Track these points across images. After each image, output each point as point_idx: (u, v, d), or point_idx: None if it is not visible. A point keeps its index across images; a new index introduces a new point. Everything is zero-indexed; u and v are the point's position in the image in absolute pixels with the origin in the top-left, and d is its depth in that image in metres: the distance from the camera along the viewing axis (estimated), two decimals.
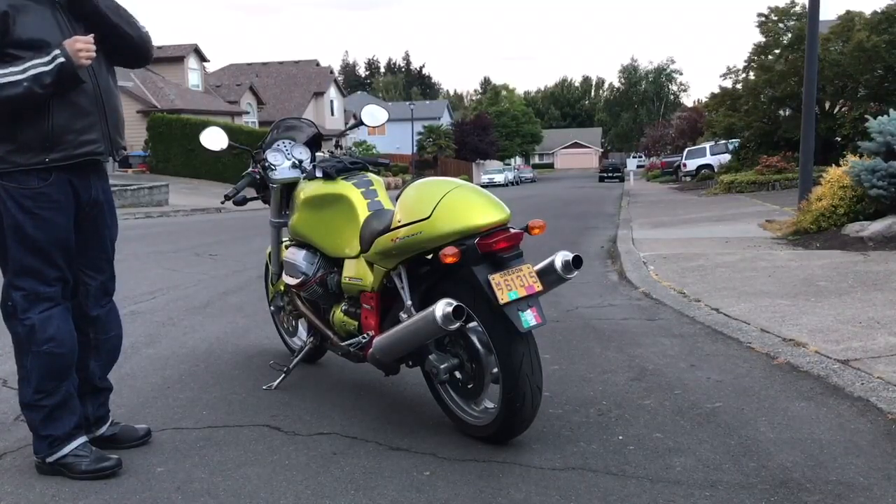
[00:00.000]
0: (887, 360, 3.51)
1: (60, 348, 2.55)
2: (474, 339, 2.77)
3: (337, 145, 3.85)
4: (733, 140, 25.86)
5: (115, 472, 2.61)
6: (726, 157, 26.25)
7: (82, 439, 2.66)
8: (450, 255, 2.57)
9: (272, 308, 4.18)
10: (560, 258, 2.81)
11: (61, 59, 2.30)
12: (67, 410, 2.61)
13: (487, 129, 57.10)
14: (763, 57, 23.08)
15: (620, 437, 2.85)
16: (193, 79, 35.56)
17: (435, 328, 2.58)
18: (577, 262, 2.80)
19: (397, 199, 2.92)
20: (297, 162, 3.66)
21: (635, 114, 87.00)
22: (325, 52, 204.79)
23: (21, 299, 2.51)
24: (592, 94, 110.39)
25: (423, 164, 46.36)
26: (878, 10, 19.93)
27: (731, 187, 19.47)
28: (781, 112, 22.96)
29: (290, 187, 3.68)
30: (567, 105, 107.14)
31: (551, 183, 50.03)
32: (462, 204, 2.67)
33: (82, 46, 2.34)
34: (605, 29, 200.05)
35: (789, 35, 22.41)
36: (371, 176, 3.40)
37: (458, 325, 2.55)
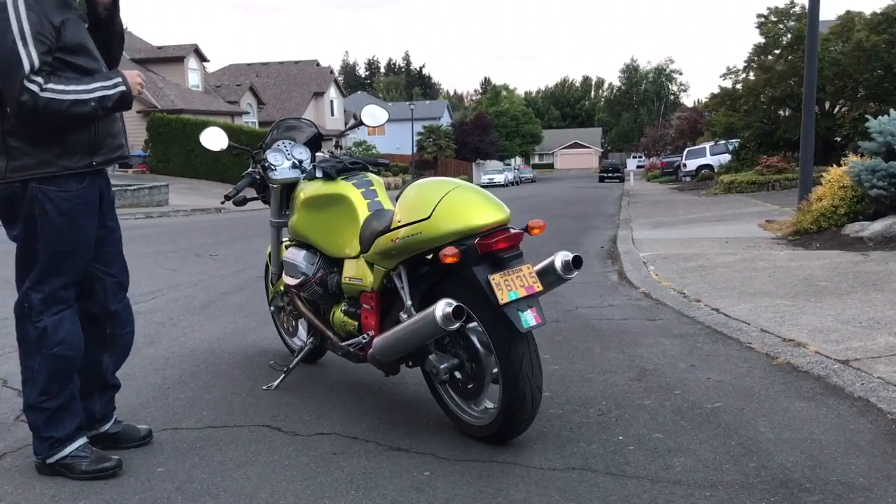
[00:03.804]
0: (887, 360, 3.51)
1: (70, 351, 2.58)
2: (474, 339, 2.77)
3: (337, 145, 3.85)
4: (733, 140, 25.86)
5: (115, 473, 2.61)
6: (726, 157, 26.24)
7: (83, 440, 2.66)
8: (450, 255, 2.57)
9: (272, 308, 4.18)
10: (560, 258, 2.81)
11: (123, 88, 2.48)
12: (70, 412, 2.63)
13: (487, 130, 57.10)
14: (763, 57, 23.09)
15: (620, 438, 2.85)
16: (193, 79, 35.56)
17: (435, 328, 2.58)
18: (576, 263, 2.81)
19: (397, 199, 2.92)
20: (297, 162, 3.66)
21: (635, 114, 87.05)
22: (325, 52, 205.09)
23: (39, 302, 2.54)
24: (592, 94, 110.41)
25: (423, 164, 46.36)
26: (878, 11, 19.94)
27: (731, 187, 19.47)
28: (781, 112, 22.97)
29: (290, 187, 3.68)
30: (567, 105, 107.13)
31: (551, 183, 50.03)
32: (462, 204, 2.67)
33: (140, 80, 2.55)
34: (605, 29, 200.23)
35: (789, 35, 22.42)
36: (371, 176, 3.40)
37: (458, 325, 2.55)
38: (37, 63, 2.31)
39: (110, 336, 2.80)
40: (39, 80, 2.31)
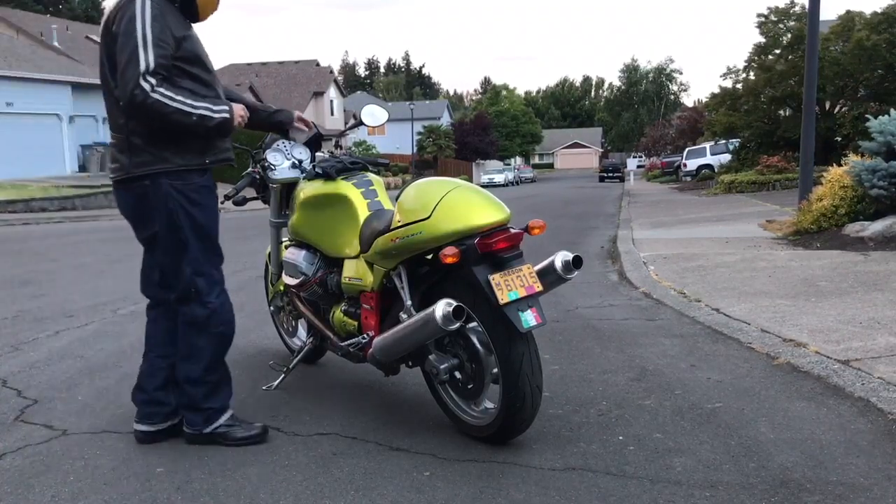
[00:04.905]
0: (888, 360, 3.50)
1: (230, 330, 2.92)
2: (474, 339, 2.76)
3: (337, 145, 3.85)
4: (733, 140, 25.84)
5: (263, 439, 2.87)
6: (726, 157, 26.22)
7: (231, 412, 2.93)
8: (450, 255, 2.57)
9: (272, 308, 4.18)
10: (560, 258, 2.81)
11: (226, 115, 2.74)
12: (225, 384, 2.94)
13: (487, 130, 57.09)
14: (763, 57, 23.07)
15: (620, 438, 2.84)
16: None
17: (435, 328, 2.58)
18: (577, 263, 2.80)
19: (397, 199, 2.92)
20: (297, 162, 3.65)
21: (635, 114, 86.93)
22: (325, 52, 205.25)
23: (204, 284, 2.82)
24: (593, 94, 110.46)
25: (423, 164, 46.36)
26: (878, 10, 19.93)
27: (732, 187, 19.47)
28: (781, 112, 22.95)
29: (289, 187, 3.68)
30: (567, 105, 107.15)
31: (551, 183, 50.02)
32: (462, 204, 2.66)
33: (242, 114, 2.88)
34: (605, 29, 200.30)
35: (789, 35, 22.41)
36: (371, 176, 3.40)
37: (458, 325, 2.55)
38: (152, 65, 2.55)
39: None
40: (153, 80, 2.55)
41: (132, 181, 2.74)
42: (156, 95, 2.55)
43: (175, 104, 2.59)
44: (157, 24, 2.58)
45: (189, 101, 2.63)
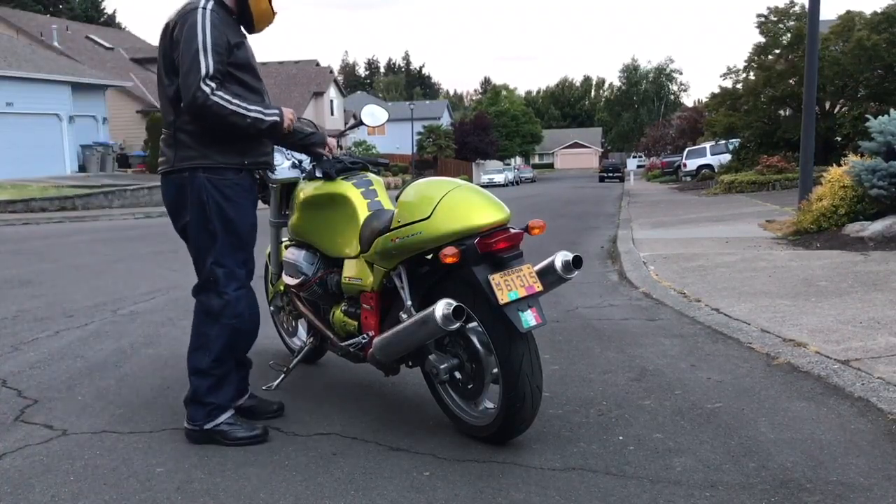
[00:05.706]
0: (887, 360, 3.50)
1: (243, 325, 2.97)
2: (474, 339, 2.76)
3: (337, 145, 3.84)
4: (733, 140, 25.83)
5: (264, 439, 2.90)
6: (726, 157, 26.20)
7: (232, 411, 2.98)
8: (450, 255, 2.57)
9: (272, 308, 4.18)
10: (560, 258, 2.81)
11: (276, 119, 2.90)
12: (229, 382, 2.98)
13: (487, 130, 57.05)
14: (763, 57, 23.05)
15: (620, 438, 2.84)
16: None
17: (435, 328, 2.58)
18: (577, 263, 2.81)
19: (397, 199, 2.92)
20: (296, 162, 3.65)
21: (636, 114, 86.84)
22: (325, 52, 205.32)
23: (223, 275, 2.91)
24: (593, 94, 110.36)
25: (423, 164, 46.34)
26: (878, 10, 19.93)
27: (731, 187, 19.46)
28: (781, 112, 22.94)
29: (289, 187, 3.68)
30: (567, 105, 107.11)
31: (551, 183, 50.01)
32: (462, 204, 2.66)
33: (292, 117, 3.01)
34: (606, 29, 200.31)
35: (789, 35, 22.40)
36: (371, 176, 3.40)
37: (457, 325, 2.55)
38: (211, 70, 2.73)
39: None
40: (212, 84, 2.72)
41: (174, 173, 2.90)
42: (215, 98, 2.72)
43: (232, 106, 2.75)
44: (215, 31, 2.76)
45: (244, 104, 2.79)
